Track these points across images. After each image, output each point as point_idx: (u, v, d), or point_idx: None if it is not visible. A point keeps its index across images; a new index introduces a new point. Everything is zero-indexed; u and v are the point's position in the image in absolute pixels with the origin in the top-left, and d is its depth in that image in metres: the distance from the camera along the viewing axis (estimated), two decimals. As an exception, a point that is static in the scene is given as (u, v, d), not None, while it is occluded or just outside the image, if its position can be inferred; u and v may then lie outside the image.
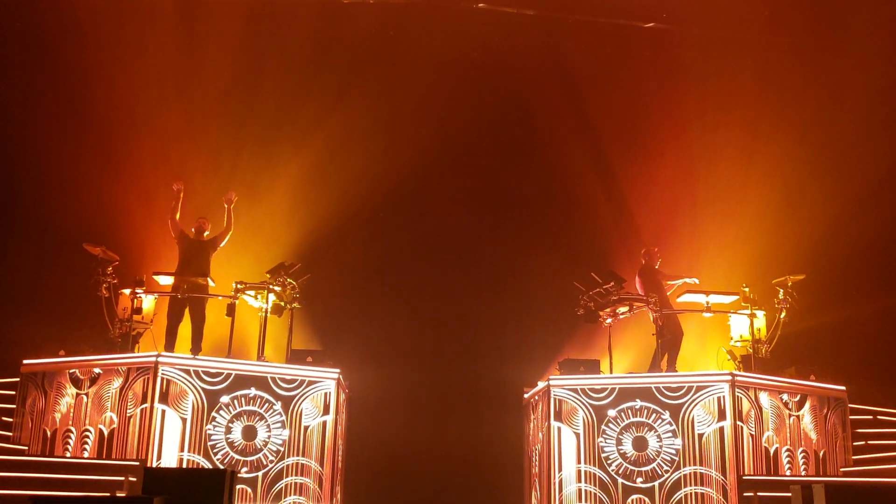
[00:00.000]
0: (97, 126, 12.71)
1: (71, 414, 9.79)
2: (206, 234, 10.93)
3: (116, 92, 12.84)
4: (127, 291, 10.55)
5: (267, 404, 9.80)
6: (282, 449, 9.76)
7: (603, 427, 9.93)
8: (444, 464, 12.41)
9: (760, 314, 10.86)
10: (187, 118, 12.99)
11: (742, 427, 9.67)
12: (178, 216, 10.81)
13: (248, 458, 9.63)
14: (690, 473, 9.63)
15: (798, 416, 10.27)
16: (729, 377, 9.84)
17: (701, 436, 9.71)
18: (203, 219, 11.04)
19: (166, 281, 10.86)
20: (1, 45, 12.72)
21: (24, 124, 12.42)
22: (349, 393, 11.32)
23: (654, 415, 9.85)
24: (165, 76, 13.12)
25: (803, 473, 10.02)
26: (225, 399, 9.68)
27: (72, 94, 12.72)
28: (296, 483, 9.75)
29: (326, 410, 10.04)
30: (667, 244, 12.12)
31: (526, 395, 11.71)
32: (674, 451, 9.72)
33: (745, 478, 9.43)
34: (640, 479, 9.72)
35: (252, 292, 10.67)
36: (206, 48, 13.28)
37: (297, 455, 9.82)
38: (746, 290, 10.85)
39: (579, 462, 9.93)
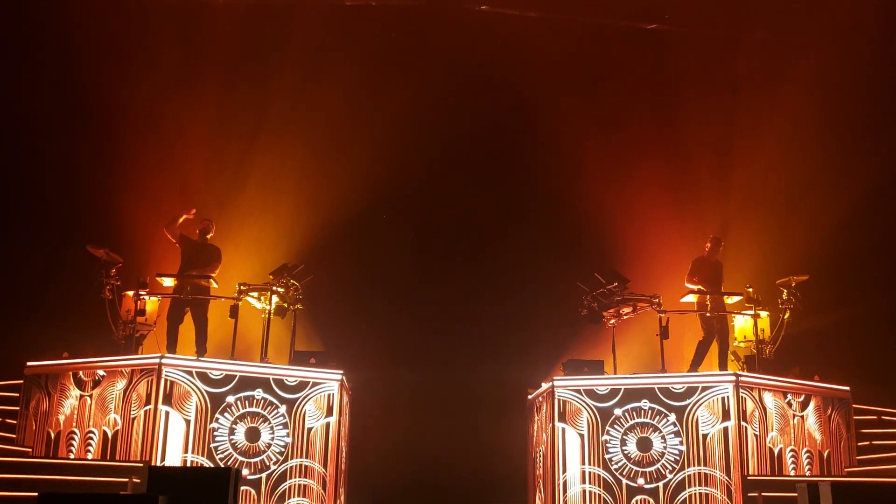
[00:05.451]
0: (102, 128, 12.76)
1: (75, 416, 9.78)
2: (209, 235, 10.95)
3: (122, 94, 12.89)
4: (130, 293, 10.54)
5: (270, 406, 9.78)
6: (285, 451, 9.75)
7: (607, 428, 9.91)
8: (447, 465, 12.41)
9: (764, 314, 10.83)
10: (192, 120, 13.03)
11: (746, 427, 9.64)
12: (176, 225, 10.83)
13: (252, 460, 9.62)
14: (695, 474, 9.60)
15: (802, 417, 10.24)
16: (733, 378, 9.81)
17: (705, 436, 9.68)
18: (208, 221, 11.06)
19: (170, 283, 10.87)
20: (10, 47, 12.74)
21: (30, 126, 12.43)
22: (352, 394, 11.30)
23: (658, 415, 9.82)
24: (171, 79, 13.16)
25: (808, 474, 9.99)
26: (229, 400, 9.67)
27: (77, 95, 12.74)
28: (299, 485, 9.72)
29: (330, 412, 10.02)
30: (671, 245, 12.10)
31: (530, 397, 11.68)
32: (678, 452, 9.69)
33: (749, 478, 9.40)
34: (641, 480, 9.70)
35: (255, 294, 10.68)
36: (212, 51, 13.33)
37: (301, 457, 9.79)
38: (750, 290, 10.82)
39: (583, 463, 9.90)
